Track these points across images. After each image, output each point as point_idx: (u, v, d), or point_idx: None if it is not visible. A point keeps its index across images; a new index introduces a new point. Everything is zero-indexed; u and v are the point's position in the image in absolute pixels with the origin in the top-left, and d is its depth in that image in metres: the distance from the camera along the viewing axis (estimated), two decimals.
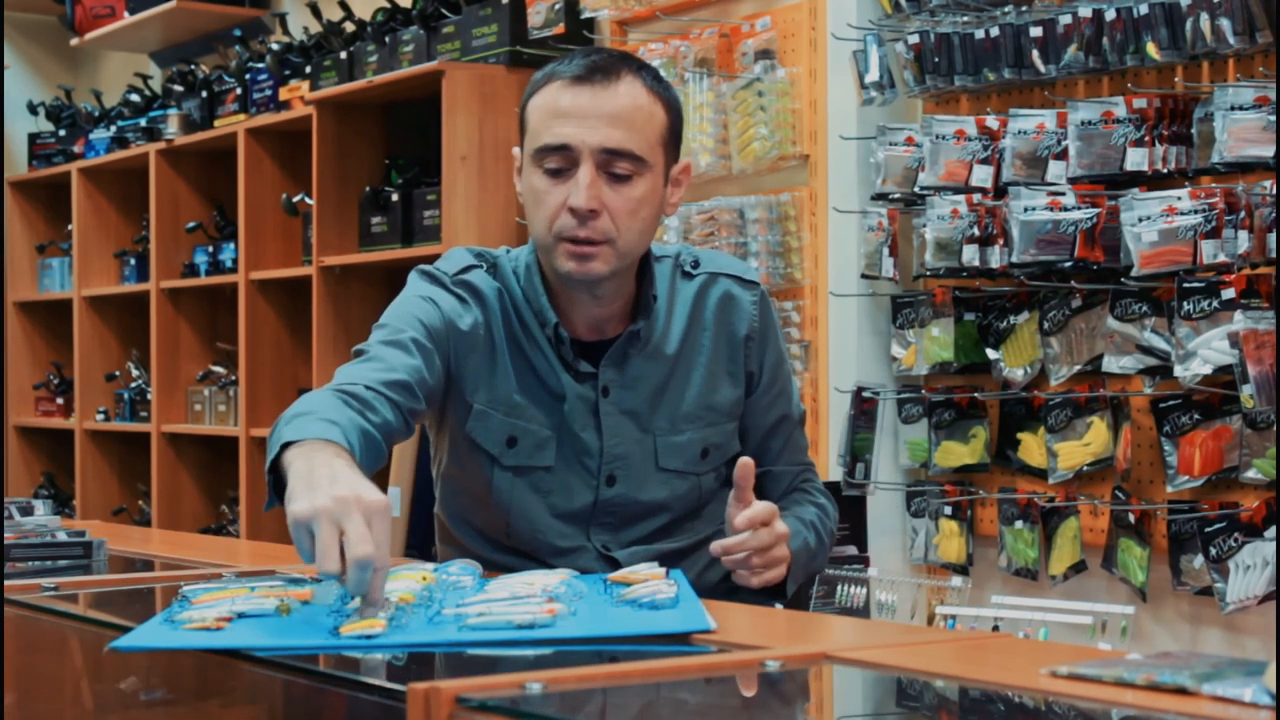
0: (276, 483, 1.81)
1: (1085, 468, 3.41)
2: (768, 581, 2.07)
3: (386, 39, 4.93)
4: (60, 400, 6.66)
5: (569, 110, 2.07)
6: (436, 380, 2.14)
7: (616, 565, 2.17)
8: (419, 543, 4.12)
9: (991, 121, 3.53)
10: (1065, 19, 3.33)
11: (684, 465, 2.20)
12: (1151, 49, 3.20)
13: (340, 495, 1.64)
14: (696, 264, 2.26)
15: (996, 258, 3.46)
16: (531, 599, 1.67)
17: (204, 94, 5.78)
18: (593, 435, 2.18)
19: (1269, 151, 3.04)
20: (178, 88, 5.96)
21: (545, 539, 2.19)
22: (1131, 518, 3.33)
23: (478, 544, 2.23)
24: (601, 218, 2.07)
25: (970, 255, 3.50)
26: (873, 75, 3.73)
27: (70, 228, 6.48)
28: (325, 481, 1.67)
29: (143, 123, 6.10)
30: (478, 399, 2.18)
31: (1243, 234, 3.07)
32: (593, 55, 2.12)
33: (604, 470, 2.18)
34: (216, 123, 5.71)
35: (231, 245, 5.65)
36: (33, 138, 6.81)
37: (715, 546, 2.03)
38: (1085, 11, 3.30)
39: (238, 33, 5.84)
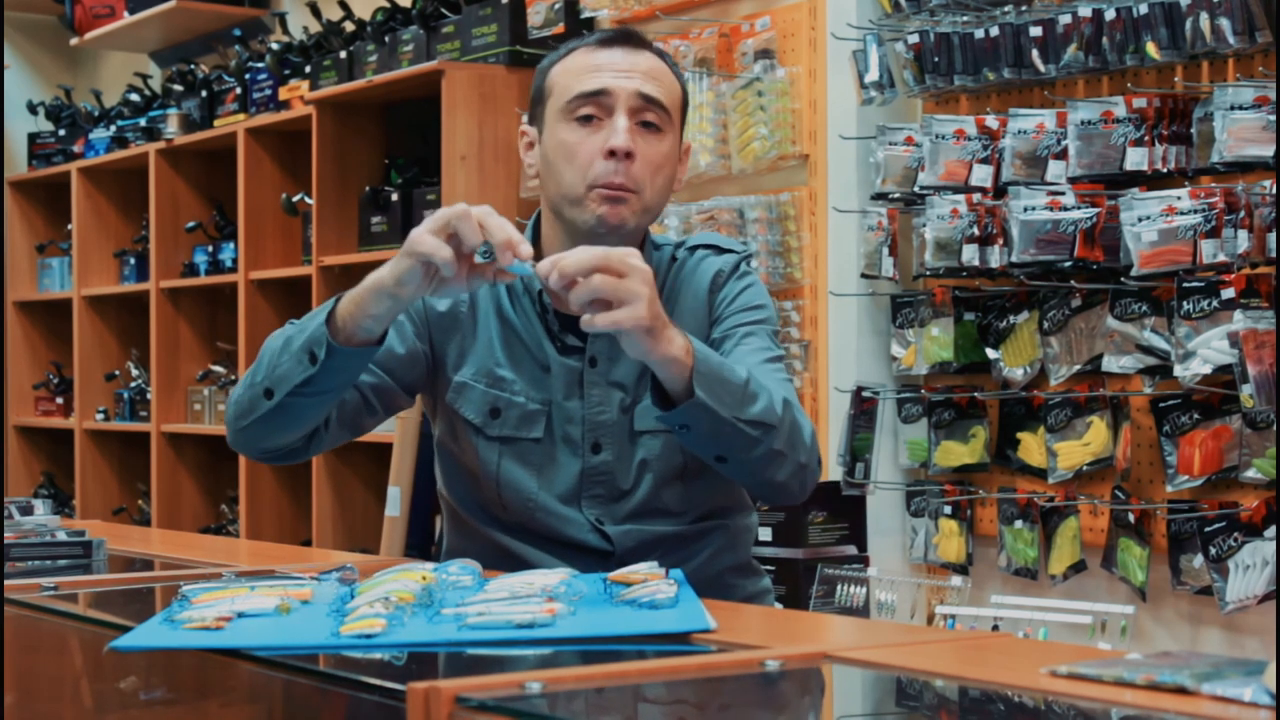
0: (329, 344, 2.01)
1: (1085, 467, 3.41)
2: (621, 322, 1.87)
3: (386, 39, 4.93)
4: (60, 400, 6.66)
5: (603, 64, 2.16)
6: (409, 350, 2.20)
7: (609, 540, 2.19)
8: (419, 543, 4.13)
9: (991, 121, 3.53)
10: (1065, 19, 3.33)
11: (655, 424, 2.18)
12: (1151, 49, 3.20)
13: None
14: (682, 245, 2.30)
15: (996, 257, 3.46)
16: (531, 599, 1.67)
17: (204, 94, 5.78)
18: (577, 404, 2.20)
19: (1269, 151, 3.04)
20: (177, 87, 5.96)
21: (538, 509, 2.20)
22: (1131, 517, 3.33)
23: (479, 520, 2.25)
24: (636, 163, 2.13)
25: (970, 255, 3.50)
26: (872, 75, 3.73)
27: (70, 227, 6.48)
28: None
29: (142, 122, 6.10)
30: (460, 373, 2.22)
31: (1242, 233, 3.07)
32: (610, 29, 2.25)
33: (588, 438, 2.19)
34: (216, 122, 5.71)
35: (231, 245, 5.65)
36: (32, 137, 6.81)
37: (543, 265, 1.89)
38: (1085, 11, 3.30)
39: (237, 32, 5.84)
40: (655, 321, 1.90)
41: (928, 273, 3.62)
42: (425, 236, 1.90)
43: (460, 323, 2.23)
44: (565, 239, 2.17)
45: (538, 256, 2.19)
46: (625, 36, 2.21)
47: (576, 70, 2.17)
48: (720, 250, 2.28)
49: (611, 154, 2.11)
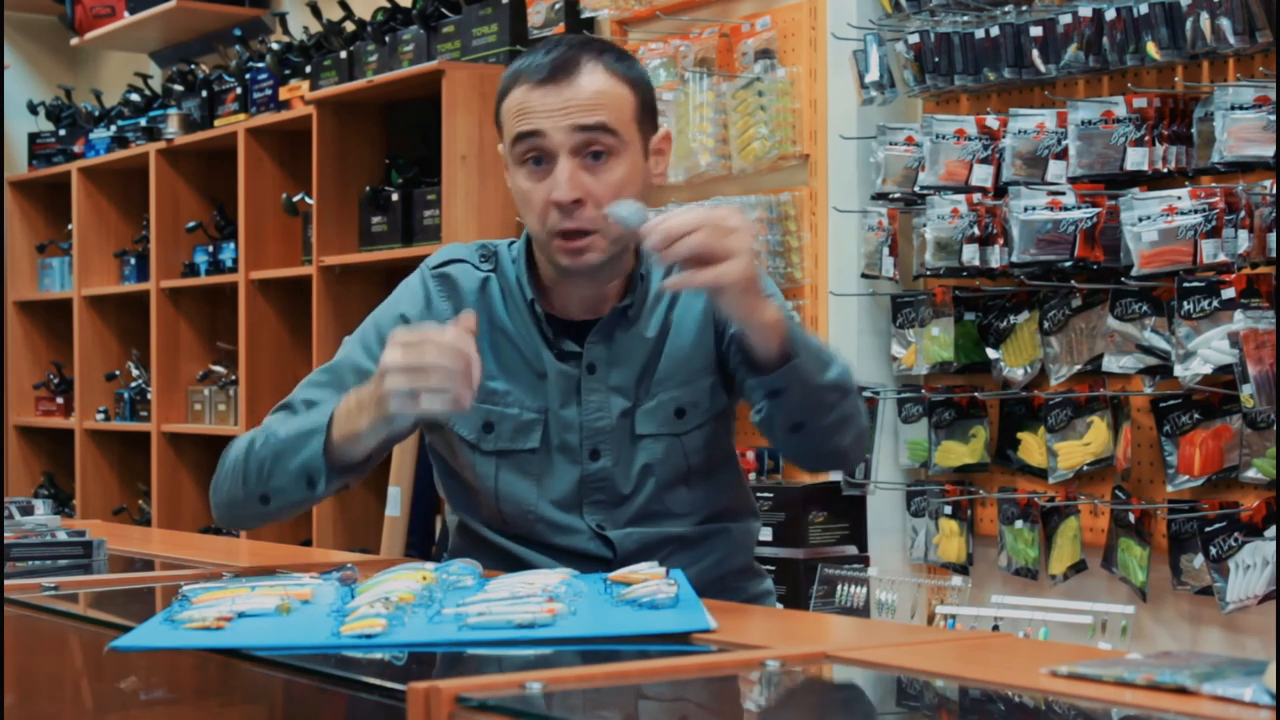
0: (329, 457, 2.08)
1: (1085, 467, 3.41)
2: (722, 277, 1.85)
3: (386, 39, 4.93)
4: (60, 400, 6.66)
5: (537, 109, 2.10)
6: None
7: (611, 545, 2.18)
8: (419, 543, 4.13)
9: (991, 121, 3.53)
10: (1065, 19, 3.33)
11: (658, 428, 2.19)
12: (1151, 49, 3.20)
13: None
14: None
15: (996, 257, 3.46)
16: (531, 598, 1.67)
17: (204, 94, 5.78)
18: (574, 411, 2.19)
19: (1269, 151, 3.04)
20: (178, 87, 5.96)
21: (538, 520, 2.20)
22: (1131, 517, 3.33)
23: (483, 528, 2.25)
24: (587, 206, 2.09)
25: (970, 255, 3.50)
26: (873, 75, 3.73)
27: (70, 227, 6.48)
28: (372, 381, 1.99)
29: (143, 122, 6.10)
30: None
31: (1243, 233, 3.08)
32: (554, 51, 2.13)
33: (586, 445, 2.19)
34: (216, 122, 5.71)
35: (231, 245, 5.65)
36: (33, 137, 6.81)
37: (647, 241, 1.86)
38: (1085, 11, 3.30)
39: (238, 32, 5.84)
40: (754, 281, 1.89)
41: (928, 273, 3.62)
42: (426, 404, 1.93)
43: None
44: (549, 262, 2.18)
45: (533, 274, 2.21)
46: (558, 69, 2.11)
47: (515, 113, 2.12)
48: None
49: (558, 204, 2.09)
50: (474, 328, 1.94)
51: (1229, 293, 3.07)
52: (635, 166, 2.13)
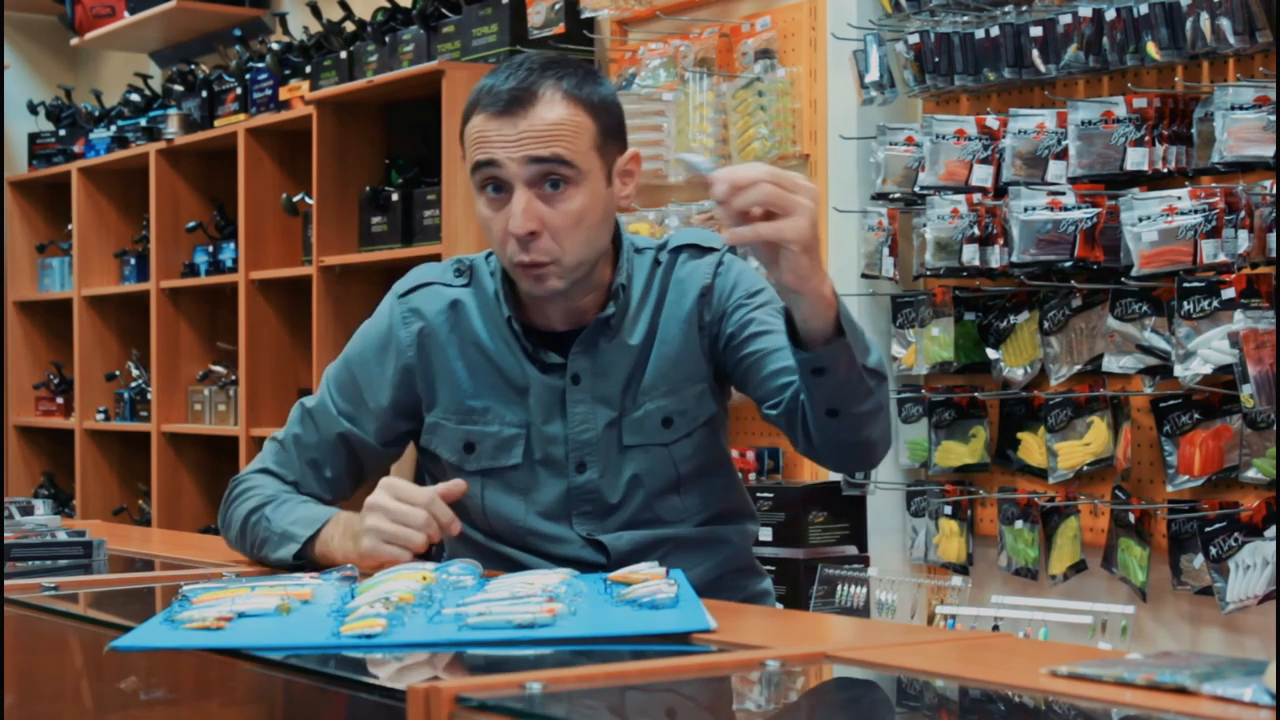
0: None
1: (1085, 467, 3.41)
2: (784, 231, 1.79)
3: (386, 39, 4.93)
4: (60, 400, 6.66)
5: (493, 139, 2.09)
6: (384, 430, 2.27)
7: (604, 549, 2.18)
8: None
9: (991, 121, 3.53)
10: (1065, 19, 3.34)
11: (646, 439, 2.19)
12: (1151, 49, 3.20)
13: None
14: (664, 247, 2.26)
15: (996, 257, 3.46)
16: (531, 599, 1.67)
17: (204, 94, 5.78)
18: (559, 425, 2.18)
19: (1269, 151, 3.04)
20: (178, 87, 5.96)
21: (529, 533, 2.20)
22: (1131, 517, 3.34)
23: (478, 536, 2.25)
24: (543, 238, 2.08)
25: (970, 255, 3.50)
26: (873, 75, 3.73)
27: (70, 227, 6.48)
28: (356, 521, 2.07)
29: (143, 122, 6.10)
30: (431, 413, 2.23)
31: (1243, 233, 3.08)
32: (513, 78, 2.10)
33: (572, 458, 2.18)
34: (216, 122, 5.71)
35: (231, 245, 5.65)
36: (33, 137, 6.81)
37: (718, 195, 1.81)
38: (1085, 11, 3.30)
39: (238, 32, 5.84)
40: (815, 244, 1.83)
41: (928, 273, 3.62)
42: (395, 550, 2.02)
43: (413, 372, 2.23)
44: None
45: (511, 287, 2.20)
46: (515, 101, 2.08)
47: (473, 139, 2.11)
48: (700, 250, 2.23)
49: (514, 236, 2.09)
50: (462, 493, 2.05)
51: (1229, 293, 3.08)
52: (595, 194, 2.11)
